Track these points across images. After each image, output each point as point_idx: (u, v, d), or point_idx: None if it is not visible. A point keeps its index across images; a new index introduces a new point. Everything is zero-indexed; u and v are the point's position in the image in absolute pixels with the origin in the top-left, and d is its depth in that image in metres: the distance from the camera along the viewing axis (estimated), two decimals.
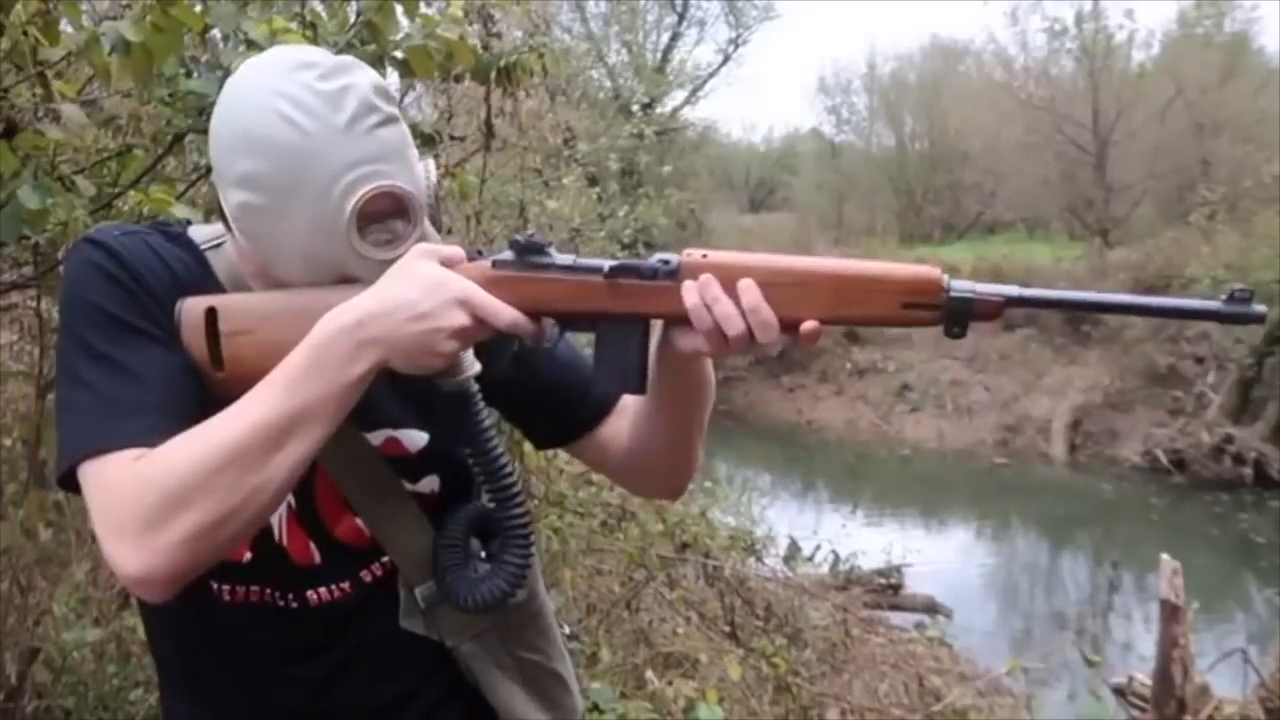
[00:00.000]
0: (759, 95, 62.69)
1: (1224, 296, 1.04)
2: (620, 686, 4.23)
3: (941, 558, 10.71)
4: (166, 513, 1.00)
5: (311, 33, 2.15)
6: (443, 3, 2.52)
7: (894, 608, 8.59)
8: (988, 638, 8.53)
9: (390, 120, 1.14)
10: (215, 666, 1.24)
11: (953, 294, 1.07)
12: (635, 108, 16.42)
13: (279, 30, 1.98)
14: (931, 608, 8.92)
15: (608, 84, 18.77)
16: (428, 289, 1.06)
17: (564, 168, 6.24)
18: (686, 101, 23.72)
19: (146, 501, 1.01)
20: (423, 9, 2.34)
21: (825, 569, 8.39)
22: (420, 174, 1.16)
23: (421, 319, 1.05)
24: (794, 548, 8.06)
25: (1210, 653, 6.09)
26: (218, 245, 1.21)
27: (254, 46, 1.95)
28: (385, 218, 1.12)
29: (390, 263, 1.10)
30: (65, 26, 2.01)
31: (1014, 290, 1.07)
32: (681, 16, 24.09)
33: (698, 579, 5.93)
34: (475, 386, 1.18)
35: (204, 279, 1.18)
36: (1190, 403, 15.22)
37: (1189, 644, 5.23)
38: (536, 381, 1.24)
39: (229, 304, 1.13)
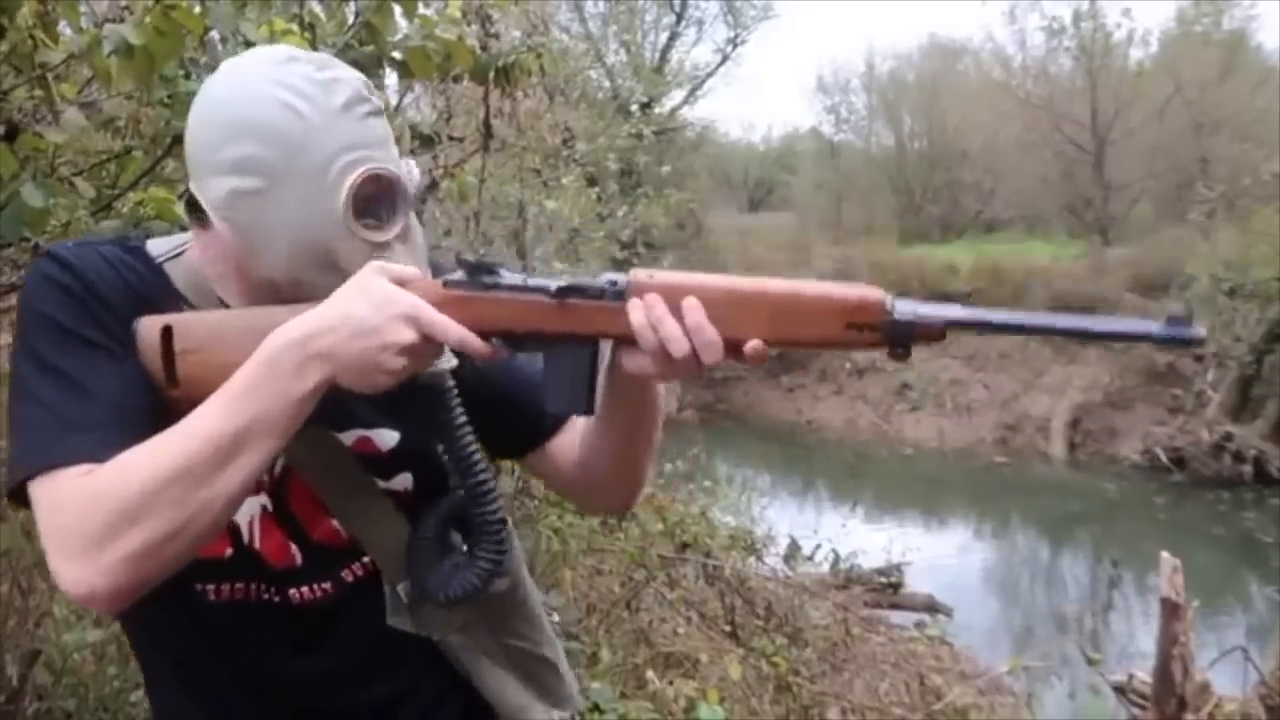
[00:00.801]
0: (758, 95, 62.73)
1: (1163, 319, 1.02)
2: (621, 686, 4.23)
3: (941, 556, 10.72)
4: (113, 530, 1.00)
5: (310, 34, 2.15)
6: (441, 3, 2.52)
7: (894, 607, 8.59)
8: (988, 636, 8.54)
9: (378, 112, 1.16)
10: (209, 667, 1.24)
11: (895, 316, 1.05)
12: (634, 107, 16.42)
13: (280, 32, 1.98)
14: (932, 606, 8.93)
15: (606, 84, 18.76)
16: (376, 305, 1.05)
17: (563, 168, 6.24)
18: (685, 101, 23.71)
19: (93, 519, 1.01)
20: (421, 10, 2.34)
21: (825, 568, 8.39)
22: (405, 169, 1.17)
23: (369, 334, 1.04)
24: (794, 547, 8.05)
25: (1211, 650, 6.09)
26: (177, 256, 1.21)
27: (253, 48, 1.95)
28: (373, 203, 1.13)
29: (378, 245, 1.12)
30: (63, 28, 2.02)
31: (956, 312, 1.06)
32: (680, 16, 24.09)
33: (698, 579, 5.93)
34: (451, 381, 1.18)
35: (161, 290, 1.18)
36: (1190, 401, 15.23)
37: (1189, 642, 5.22)
38: (492, 393, 1.24)
39: (184, 322, 1.14)
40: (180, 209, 1.86)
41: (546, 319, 1.11)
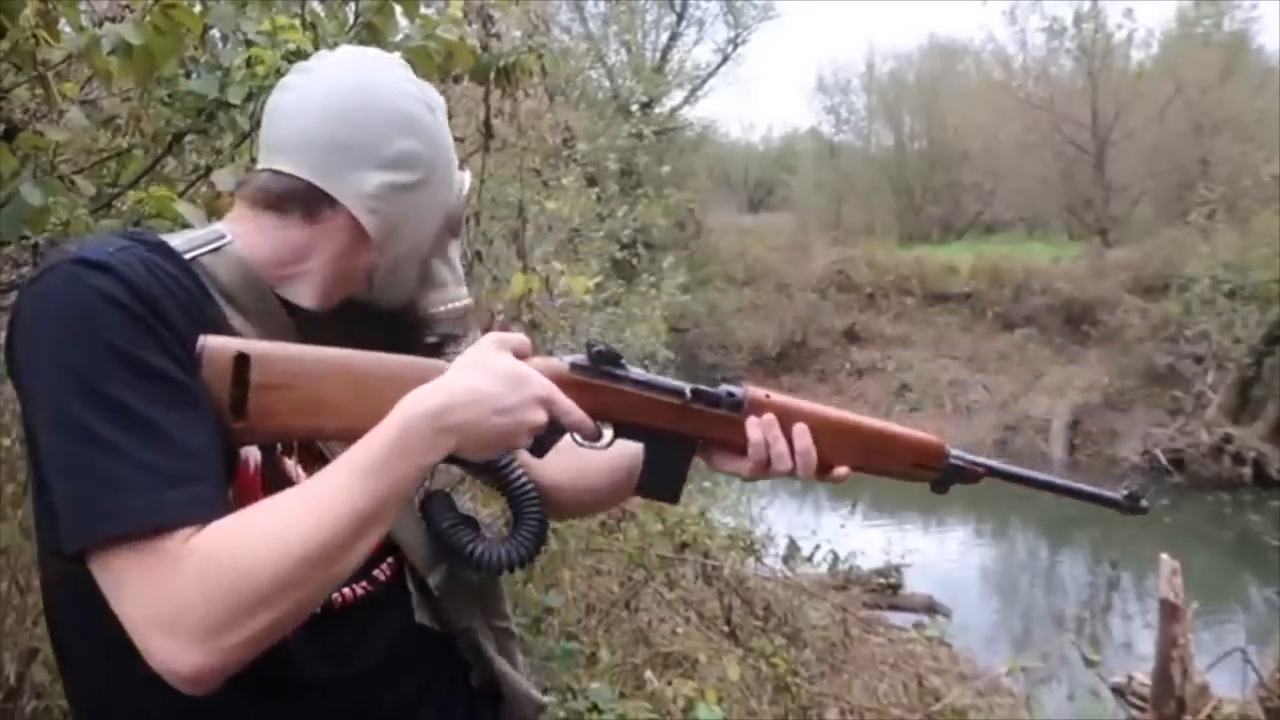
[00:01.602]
0: (758, 95, 62.82)
1: (1124, 492, 1.37)
2: (619, 686, 4.23)
3: (940, 557, 10.72)
4: (241, 616, 0.93)
5: (311, 33, 2.15)
6: (441, 3, 2.52)
7: (893, 607, 8.60)
8: (987, 637, 8.54)
9: None
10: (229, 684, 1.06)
11: (951, 462, 1.32)
12: (634, 107, 16.44)
13: (281, 28, 1.97)
14: (930, 607, 8.93)
15: (606, 84, 18.78)
16: (512, 384, 1.09)
17: (563, 168, 6.23)
18: (685, 101, 23.77)
19: (219, 602, 0.93)
20: (422, 10, 2.34)
21: (824, 569, 8.39)
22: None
23: (506, 413, 1.08)
24: (793, 547, 8.05)
25: (1210, 652, 6.09)
26: (213, 250, 1.12)
27: (253, 46, 1.95)
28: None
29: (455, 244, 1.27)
30: (62, 26, 2.01)
31: (992, 464, 1.35)
32: (680, 16, 24.11)
33: (697, 579, 5.93)
34: None
35: (199, 295, 1.09)
36: (1189, 402, 15.22)
37: (1188, 643, 5.23)
38: None
39: (262, 353, 1.06)
40: (182, 206, 1.86)
41: (670, 418, 1.23)
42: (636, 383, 1.21)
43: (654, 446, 1.25)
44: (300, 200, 1.15)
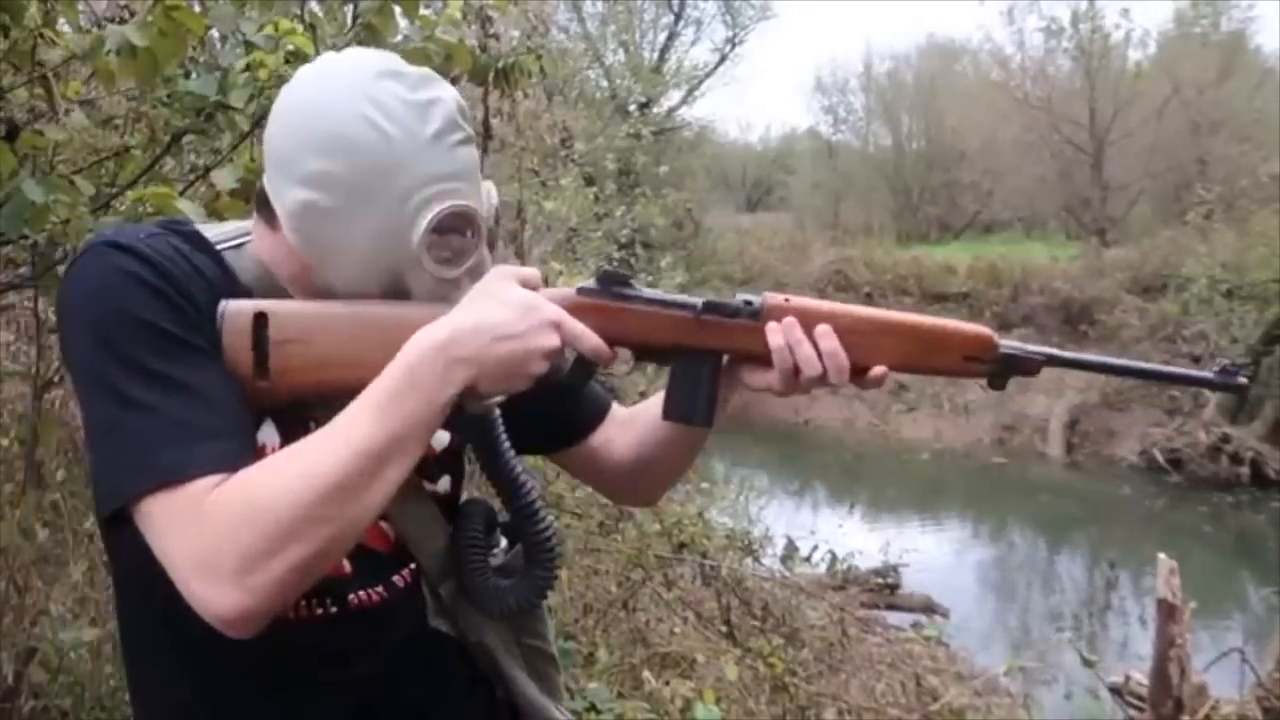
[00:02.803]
0: (756, 95, 62.70)
1: (1215, 369, 1.24)
2: (617, 686, 4.23)
3: (939, 557, 10.72)
4: (269, 551, 0.96)
5: (311, 34, 2.15)
6: (440, 4, 2.52)
7: (891, 607, 8.59)
8: (985, 637, 8.53)
9: (469, 140, 1.14)
10: (237, 680, 1.14)
11: (1003, 351, 1.22)
12: (632, 108, 16.44)
13: (285, 32, 1.97)
14: (928, 607, 8.93)
15: (604, 84, 18.76)
16: (521, 310, 1.07)
17: (561, 168, 6.24)
18: (683, 101, 23.71)
19: (246, 539, 0.96)
20: (421, 10, 2.34)
21: (822, 569, 8.39)
22: (484, 195, 1.17)
23: (515, 339, 1.06)
24: (791, 547, 8.06)
25: (1207, 652, 6.09)
26: (238, 246, 1.16)
27: (252, 48, 1.95)
28: (446, 234, 1.11)
29: (450, 281, 1.11)
30: (62, 25, 2.01)
31: (1050, 351, 1.25)
32: (678, 16, 24.07)
33: (695, 579, 5.93)
34: (497, 411, 1.20)
35: (228, 282, 1.12)
36: (1187, 402, 15.21)
37: (1186, 643, 5.22)
38: (531, 391, 1.20)
39: (280, 310, 1.09)
40: (183, 204, 1.86)
41: (685, 333, 1.18)
42: (648, 300, 1.17)
43: (676, 366, 1.20)
44: (265, 206, 1.14)
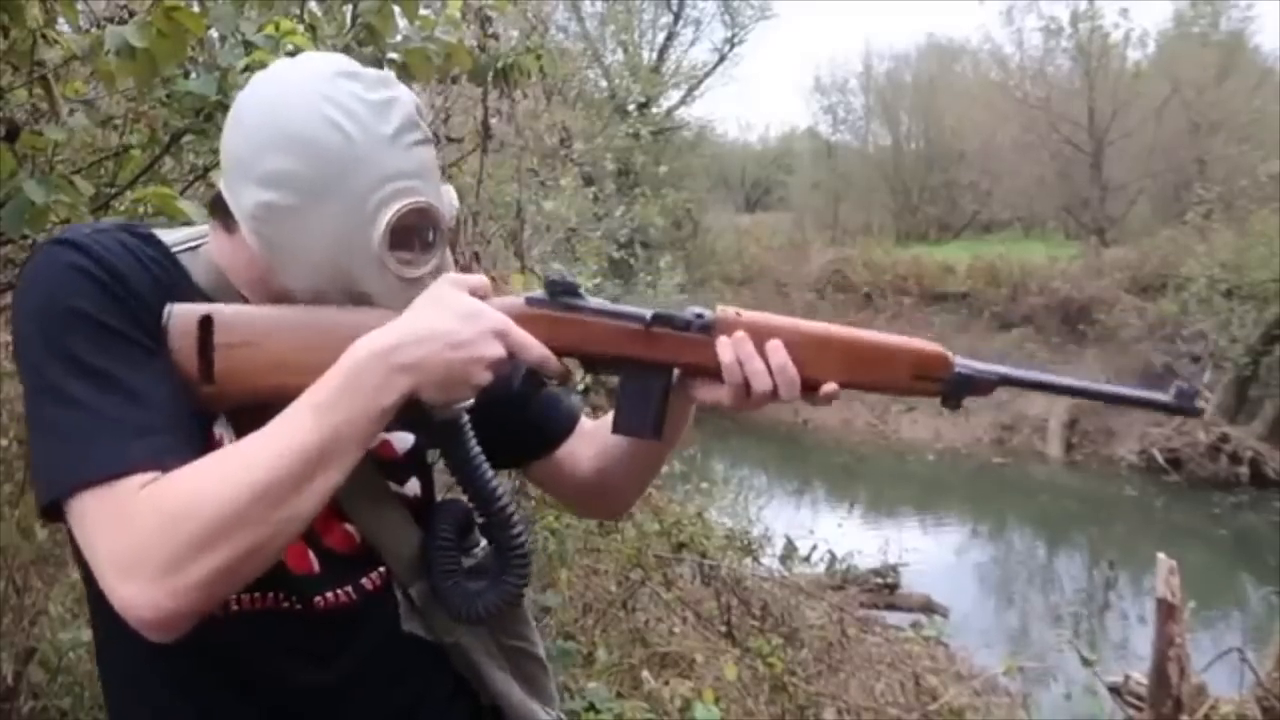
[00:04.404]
0: (755, 95, 62.73)
1: (1172, 391, 1.19)
2: (616, 686, 4.23)
3: (938, 557, 10.72)
4: (193, 552, 0.94)
5: (310, 34, 2.15)
6: (440, 4, 2.52)
7: (890, 607, 8.60)
8: (984, 637, 8.53)
9: (427, 140, 1.13)
10: (215, 684, 1.14)
11: (957, 371, 1.18)
12: (631, 107, 16.41)
13: (286, 33, 1.97)
14: (928, 607, 8.93)
15: (604, 84, 18.74)
16: (465, 318, 1.06)
17: (560, 168, 6.24)
18: (682, 101, 23.69)
19: (171, 540, 0.94)
20: (420, 10, 2.34)
21: (821, 569, 8.40)
22: (446, 198, 1.15)
23: (459, 348, 1.05)
24: (790, 547, 8.06)
25: (1207, 652, 6.09)
26: (194, 249, 1.14)
27: (252, 48, 1.95)
28: (409, 234, 1.10)
29: (410, 281, 1.10)
30: (62, 26, 2.02)
31: (1005, 370, 1.20)
32: (677, 16, 24.04)
33: (694, 579, 5.94)
34: (466, 417, 1.17)
35: (181, 283, 1.11)
36: None
37: (1185, 643, 5.22)
38: (498, 404, 1.19)
39: (226, 314, 1.08)
40: (184, 203, 1.86)
41: (632, 345, 1.16)
42: (596, 311, 1.15)
43: (625, 379, 1.18)
44: (222, 209, 1.13)
